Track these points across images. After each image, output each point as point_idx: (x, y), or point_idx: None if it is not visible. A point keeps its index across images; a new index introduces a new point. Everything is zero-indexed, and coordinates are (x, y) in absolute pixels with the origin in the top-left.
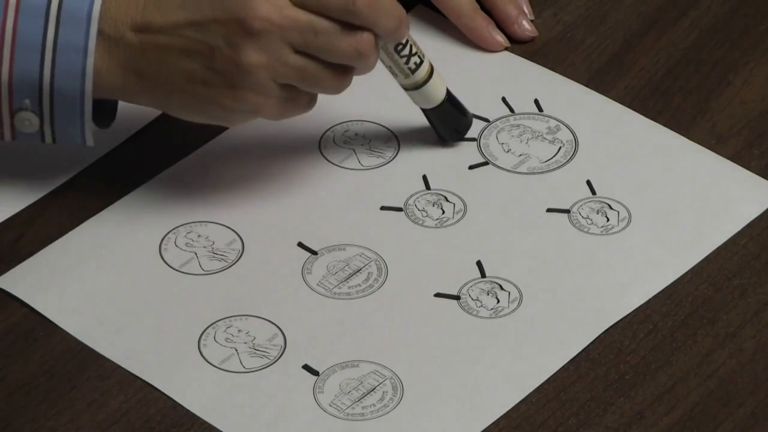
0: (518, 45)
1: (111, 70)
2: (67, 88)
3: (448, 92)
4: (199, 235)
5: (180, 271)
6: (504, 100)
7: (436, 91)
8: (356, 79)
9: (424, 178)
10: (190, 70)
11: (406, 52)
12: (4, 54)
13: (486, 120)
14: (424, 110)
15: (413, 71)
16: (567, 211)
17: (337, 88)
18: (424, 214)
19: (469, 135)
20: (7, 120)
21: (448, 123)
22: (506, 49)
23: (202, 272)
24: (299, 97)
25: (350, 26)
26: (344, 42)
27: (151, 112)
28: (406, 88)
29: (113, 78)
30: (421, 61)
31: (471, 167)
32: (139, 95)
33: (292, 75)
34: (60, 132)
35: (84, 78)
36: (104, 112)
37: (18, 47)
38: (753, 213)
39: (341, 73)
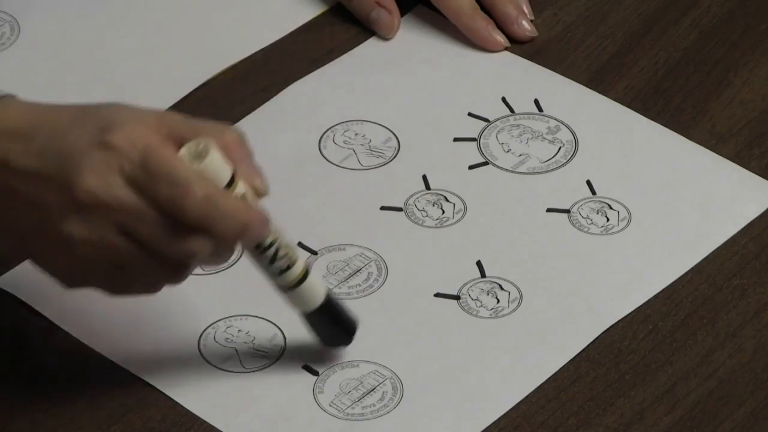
0: (518, 45)
1: None
2: None
3: (328, 298)
4: None
5: None
6: (504, 100)
7: (308, 298)
8: (357, 80)
9: (424, 178)
10: (27, 223)
11: (269, 254)
12: None
13: (486, 120)
14: (301, 315)
15: (279, 274)
16: (567, 211)
17: (168, 281)
18: (424, 214)
19: (469, 135)
20: None
21: (323, 331)
22: (506, 49)
23: (202, 272)
24: (133, 281)
25: (183, 224)
26: (171, 240)
27: None
28: (276, 289)
29: None
30: (290, 266)
31: (471, 167)
32: None
33: (116, 257)
34: None
35: None
36: None
37: None
38: (753, 213)
39: (173, 265)
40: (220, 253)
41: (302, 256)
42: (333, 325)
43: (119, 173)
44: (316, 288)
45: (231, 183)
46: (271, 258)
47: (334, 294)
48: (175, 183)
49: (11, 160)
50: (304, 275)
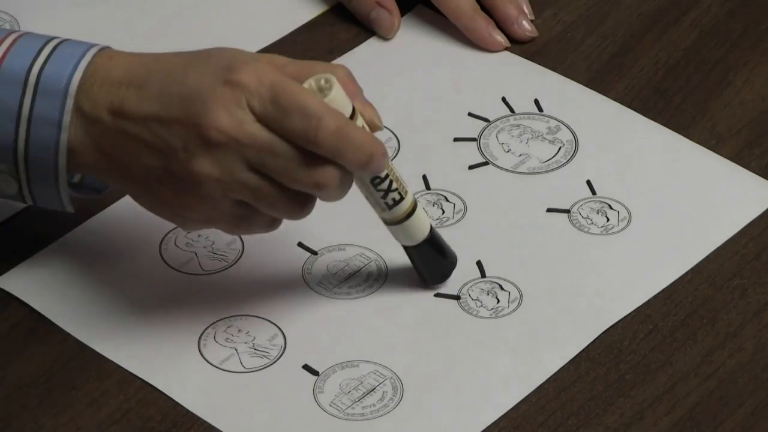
0: (518, 45)
1: (85, 149)
2: (41, 159)
3: (432, 232)
4: (199, 235)
5: (180, 271)
6: (504, 100)
7: (415, 231)
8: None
9: (424, 178)
10: (150, 165)
11: (383, 186)
12: None
13: (486, 120)
14: (404, 247)
15: (390, 207)
16: (567, 211)
17: (295, 215)
18: None
19: (469, 135)
20: None
21: (428, 264)
22: (506, 49)
23: (202, 272)
24: (255, 217)
25: (313, 155)
26: (303, 171)
27: None
28: (385, 222)
29: (86, 157)
30: (401, 198)
31: (471, 167)
32: (109, 178)
33: (245, 193)
34: (38, 197)
35: (57, 153)
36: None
37: None
38: (753, 213)
39: (300, 199)
40: (344, 183)
41: (411, 189)
42: (437, 256)
43: (248, 109)
44: (423, 220)
45: (351, 116)
46: (385, 190)
47: (435, 227)
48: (307, 115)
49: (127, 108)
50: (413, 209)
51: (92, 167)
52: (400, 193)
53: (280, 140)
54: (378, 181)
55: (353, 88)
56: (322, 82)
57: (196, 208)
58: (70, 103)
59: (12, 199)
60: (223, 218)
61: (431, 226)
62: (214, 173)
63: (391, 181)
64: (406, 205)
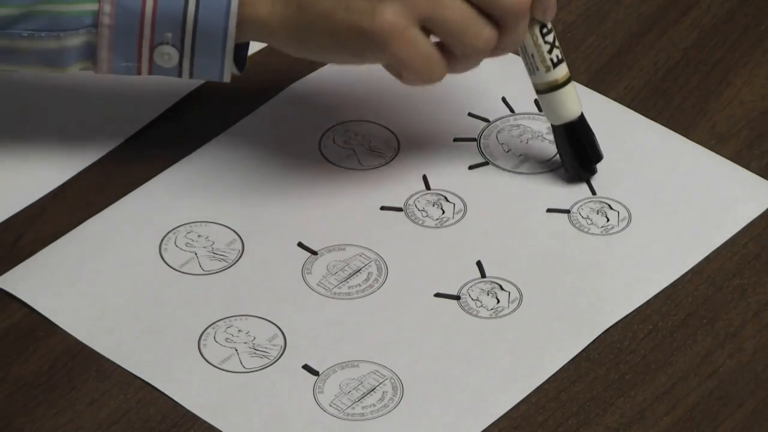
0: None
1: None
2: (211, 25)
3: (583, 116)
4: (199, 235)
5: (180, 271)
6: (504, 100)
7: (570, 103)
8: (356, 79)
9: (424, 178)
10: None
11: (549, 39)
12: None
13: (486, 120)
14: (553, 128)
15: (554, 65)
16: (567, 211)
17: (481, 47)
18: (424, 214)
19: (469, 135)
20: (147, 54)
21: (576, 149)
22: None
23: (202, 272)
24: (433, 57)
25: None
26: (478, 22)
27: (150, 112)
28: (541, 90)
29: (260, 7)
30: (562, 60)
31: (471, 167)
32: (285, 28)
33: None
34: (198, 68)
35: (228, 16)
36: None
37: None
38: (753, 213)
39: (491, 27)
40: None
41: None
42: (587, 140)
43: None
44: (576, 96)
45: None
46: (551, 44)
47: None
48: None
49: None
50: (569, 78)
51: (266, 21)
52: (561, 55)
53: None
54: (546, 31)
55: None
56: None
57: (383, 20)
58: None
59: (164, 74)
60: (404, 38)
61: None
62: (397, 24)
63: (555, 38)
64: (565, 69)
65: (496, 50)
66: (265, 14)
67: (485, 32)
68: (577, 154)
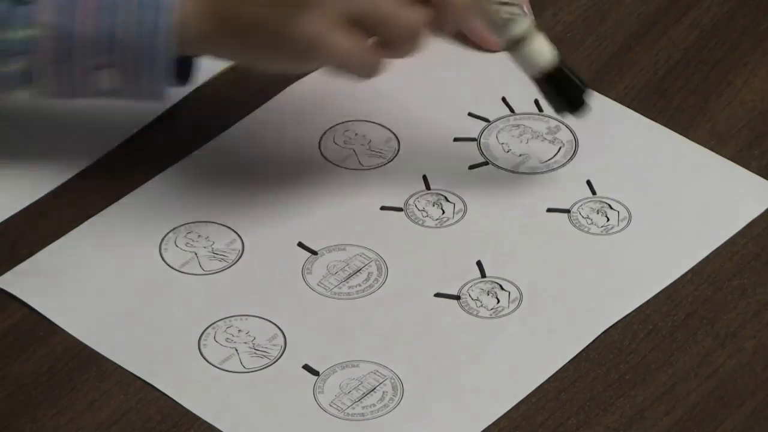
0: None
1: (201, 16)
2: (146, 45)
3: (562, 61)
4: (199, 235)
5: (180, 271)
6: (504, 100)
7: (537, 54)
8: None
9: (424, 178)
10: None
11: None
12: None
13: (486, 120)
14: (534, 80)
15: (509, 21)
16: (567, 211)
17: (412, 30)
18: (424, 214)
19: (469, 135)
20: (85, 77)
21: (560, 96)
22: None
23: (202, 272)
24: (365, 53)
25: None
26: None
27: (149, 113)
28: (505, 48)
29: (203, 24)
30: (518, 15)
31: (471, 167)
32: (218, 44)
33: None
34: (140, 89)
35: (162, 36)
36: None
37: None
38: (753, 213)
39: (419, 9)
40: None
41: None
42: (566, 86)
43: None
44: (545, 47)
45: None
46: (498, 3)
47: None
48: None
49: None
50: (533, 32)
51: (205, 36)
52: (517, 11)
53: None
54: None
55: None
56: None
57: (310, 22)
58: None
59: (106, 96)
60: (333, 38)
61: (558, 56)
62: (319, 29)
63: None
64: (524, 24)
65: (439, 29)
66: (195, 32)
67: (413, 15)
68: (562, 100)
